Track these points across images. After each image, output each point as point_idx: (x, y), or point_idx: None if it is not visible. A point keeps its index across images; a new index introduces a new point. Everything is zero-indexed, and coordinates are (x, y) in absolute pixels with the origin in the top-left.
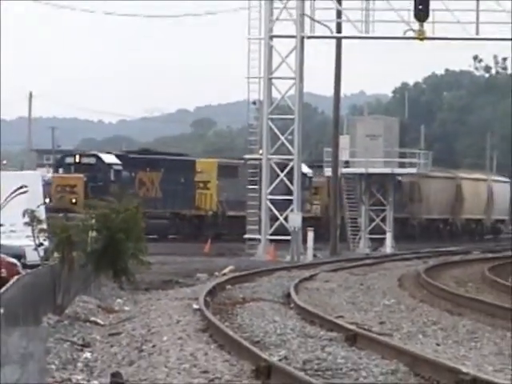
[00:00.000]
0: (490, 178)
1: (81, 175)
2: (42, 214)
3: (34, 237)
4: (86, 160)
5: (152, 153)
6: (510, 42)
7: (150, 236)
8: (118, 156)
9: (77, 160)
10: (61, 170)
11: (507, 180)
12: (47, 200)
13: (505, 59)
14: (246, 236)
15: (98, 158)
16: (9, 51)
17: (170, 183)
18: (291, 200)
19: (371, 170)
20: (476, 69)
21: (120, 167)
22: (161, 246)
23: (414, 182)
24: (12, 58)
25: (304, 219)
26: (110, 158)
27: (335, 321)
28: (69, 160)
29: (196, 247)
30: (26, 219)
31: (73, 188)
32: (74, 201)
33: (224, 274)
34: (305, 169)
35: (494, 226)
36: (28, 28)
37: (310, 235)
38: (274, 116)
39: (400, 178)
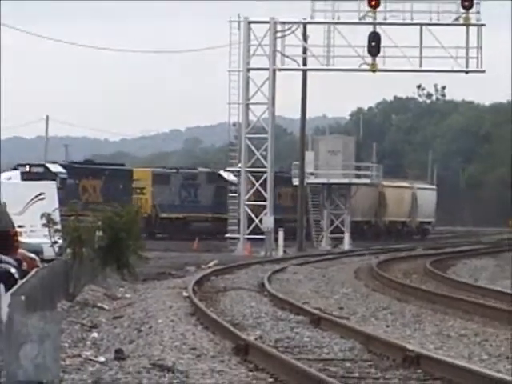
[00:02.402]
0: (415, 186)
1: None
2: (57, 216)
3: (50, 236)
4: (35, 169)
5: (94, 163)
6: (448, 74)
7: None
8: (63, 166)
9: (27, 169)
10: None
11: (433, 187)
12: None
13: (444, 87)
14: (227, 235)
15: (46, 168)
16: (30, 80)
17: (109, 189)
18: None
19: (332, 181)
20: (419, 96)
21: (65, 175)
22: (157, 244)
23: None
24: (33, 86)
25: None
26: (56, 168)
27: (302, 306)
28: (21, 169)
29: (185, 245)
30: (44, 221)
31: None
32: None
33: (209, 267)
34: (231, 177)
35: (421, 228)
36: (46, 61)
37: (281, 235)
38: (250, 135)
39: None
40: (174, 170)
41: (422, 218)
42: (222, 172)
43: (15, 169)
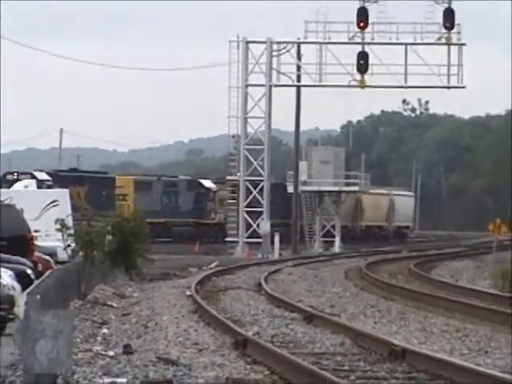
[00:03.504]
0: (392, 193)
1: None
2: (69, 222)
3: (63, 240)
4: (22, 177)
5: (79, 171)
6: (431, 89)
7: None
8: (49, 174)
9: (15, 177)
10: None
11: (411, 194)
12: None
13: (427, 102)
14: (227, 239)
15: (32, 176)
16: (45, 95)
17: (93, 196)
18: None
19: (323, 188)
20: (404, 110)
21: (50, 183)
22: (161, 247)
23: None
24: (48, 101)
25: (208, 225)
26: (42, 176)
27: (296, 304)
28: (9, 177)
29: (187, 248)
30: (58, 226)
31: None
32: None
33: (210, 268)
34: (209, 184)
35: (399, 232)
36: (60, 78)
37: (277, 238)
38: (248, 146)
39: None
40: (156, 178)
41: (399, 222)
42: (201, 180)
43: (4, 176)
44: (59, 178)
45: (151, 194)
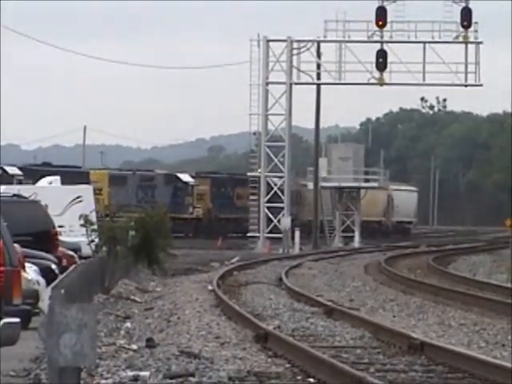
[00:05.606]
0: (391, 188)
1: None
2: (93, 217)
3: (87, 235)
4: None
5: (51, 165)
6: (448, 87)
7: None
8: (20, 168)
9: None
10: None
11: (413, 189)
12: None
13: (445, 100)
14: (249, 234)
15: (4, 170)
16: (71, 94)
17: None
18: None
19: (343, 184)
20: (423, 107)
21: (22, 177)
22: (184, 242)
23: (296, 191)
24: (74, 100)
25: (185, 220)
26: (13, 170)
27: (316, 298)
28: None
29: (210, 243)
30: (82, 222)
31: None
32: None
33: (232, 263)
34: (187, 178)
35: (401, 227)
36: (87, 77)
37: (297, 234)
38: (269, 143)
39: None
40: (131, 172)
41: (400, 217)
42: (179, 174)
43: None
44: (31, 173)
45: (126, 188)
